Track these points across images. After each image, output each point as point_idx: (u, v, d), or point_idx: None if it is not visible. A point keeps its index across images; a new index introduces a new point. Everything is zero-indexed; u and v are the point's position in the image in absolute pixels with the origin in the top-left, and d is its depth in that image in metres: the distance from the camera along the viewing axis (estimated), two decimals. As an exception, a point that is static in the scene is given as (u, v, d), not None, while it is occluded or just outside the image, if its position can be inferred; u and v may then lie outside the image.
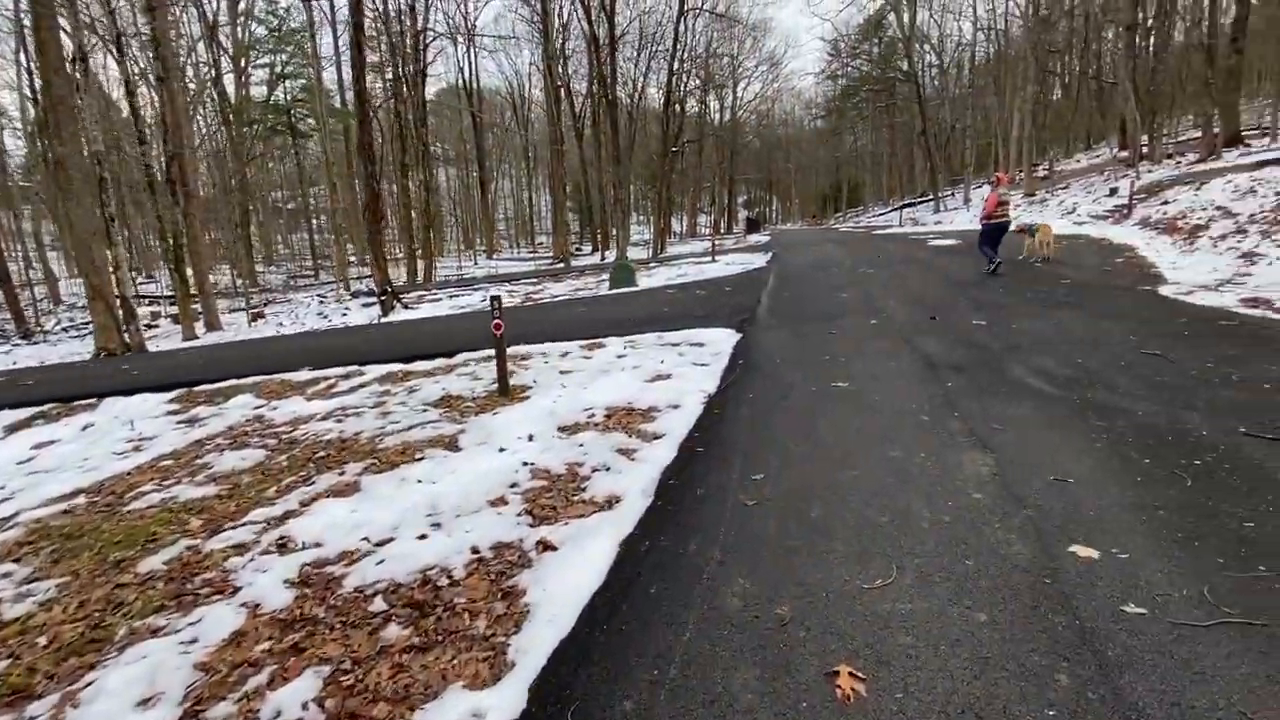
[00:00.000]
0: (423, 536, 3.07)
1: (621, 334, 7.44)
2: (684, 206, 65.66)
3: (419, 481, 3.77)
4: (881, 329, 6.65)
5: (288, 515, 3.50)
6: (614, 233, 35.17)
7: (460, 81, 48.64)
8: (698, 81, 50.45)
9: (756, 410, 4.52)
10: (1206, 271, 8.98)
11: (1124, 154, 34.96)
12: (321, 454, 4.52)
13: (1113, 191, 18.93)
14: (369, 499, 3.59)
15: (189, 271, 18.07)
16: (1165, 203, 14.97)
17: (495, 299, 5.34)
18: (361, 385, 6.41)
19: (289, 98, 38.31)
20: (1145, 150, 28.55)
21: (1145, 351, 5.09)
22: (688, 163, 57.06)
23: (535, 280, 18.42)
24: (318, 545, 3.13)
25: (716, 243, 36.22)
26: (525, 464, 3.84)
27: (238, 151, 31.33)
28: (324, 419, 5.41)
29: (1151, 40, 31.92)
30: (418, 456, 4.20)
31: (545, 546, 2.86)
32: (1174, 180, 17.39)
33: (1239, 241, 10.19)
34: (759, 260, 16.47)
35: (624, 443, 4.12)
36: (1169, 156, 26.56)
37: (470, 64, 58.40)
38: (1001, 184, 10.56)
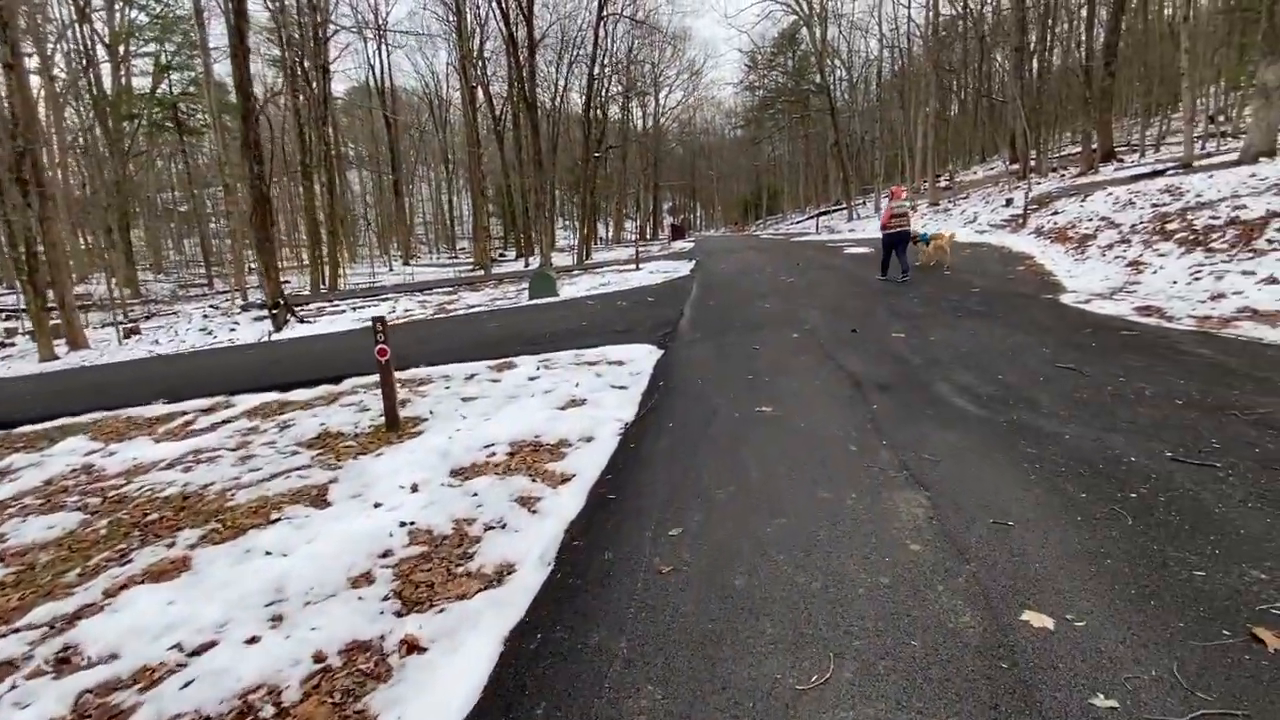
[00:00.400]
0: (253, 640, 2.41)
1: (536, 351, 6.87)
2: (610, 212, 65.47)
3: (267, 554, 3.08)
4: (804, 342, 6.44)
5: (82, 612, 2.73)
6: (537, 238, 34.34)
7: (371, 80, 46.37)
8: (620, 87, 50.44)
9: (677, 443, 4.09)
10: (1099, 279, 9.45)
11: (1015, 167, 37.68)
12: (153, 517, 3.70)
13: (1008, 202, 20.13)
14: (196, 583, 2.87)
15: (49, 282, 15.82)
16: (1055, 213, 15.96)
17: (378, 320, 4.65)
18: (226, 421, 5.51)
19: (175, 91, 34.97)
20: (1034, 164, 30.82)
21: (1060, 365, 5.07)
22: (612, 169, 56.89)
23: (451, 289, 17.45)
24: (112, 658, 2.40)
25: (641, 249, 36.11)
26: (404, 524, 3.22)
27: (115, 148, 28.19)
28: (169, 467, 4.54)
29: (1036, 63, 34.53)
30: (273, 518, 3.48)
31: (411, 647, 2.28)
32: (1061, 192, 18.68)
33: (1124, 250, 10.86)
34: (683, 268, 16.28)
35: (526, 489, 3.57)
36: (1054, 170, 28.79)
37: (381, 62, 55.77)
38: (896, 197, 10.86)
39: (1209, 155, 19.36)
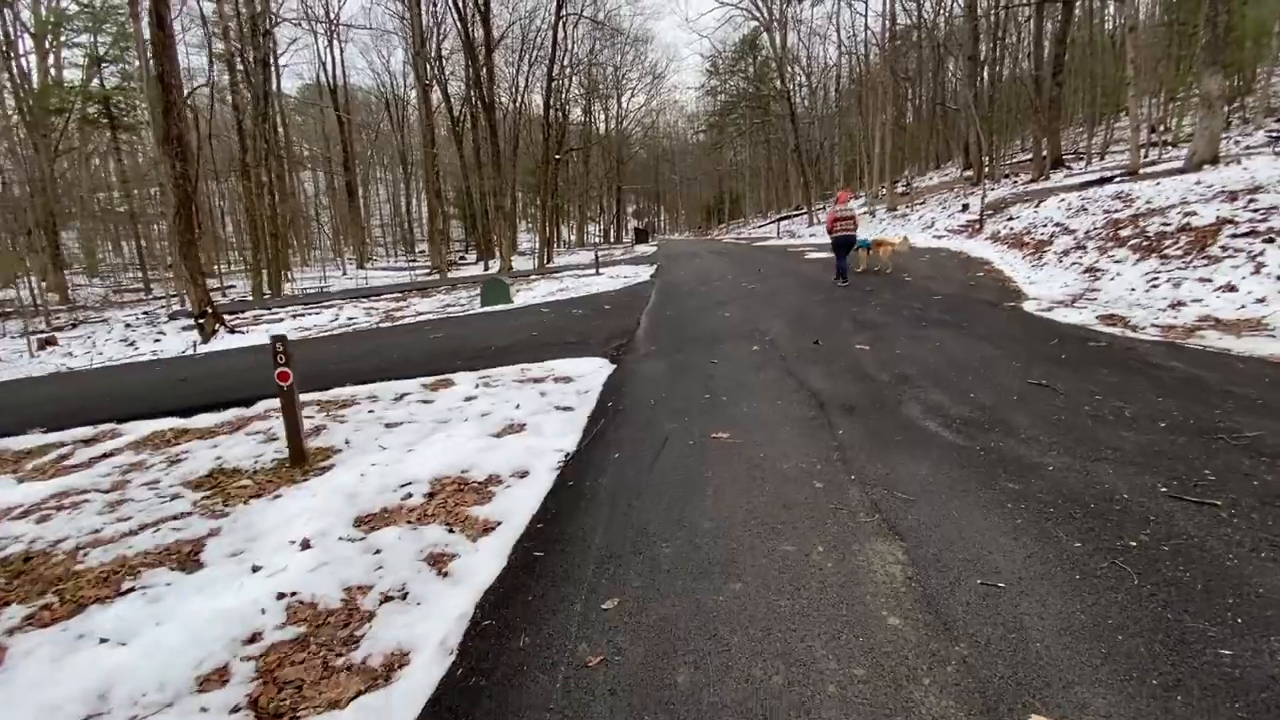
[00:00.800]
0: (39, 785, 1.81)
1: (479, 367, 6.30)
2: (574, 215, 64.79)
3: (102, 641, 2.46)
4: (765, 356, 6.04)
5: None
6: (497, 241, 33.51)
7: (323, 77, 44.69)
8: (581, 89, 49.91)
9: (621, 479, 3.61)
10: (1059, 287, 9.37)
11: (969, 173, 38.60)
12: (-24, 588, 3.01)
13: (965, 208, 20.36)
14: (1, 686, 2.24)
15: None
16: (1011, 219, 16.11)
17: (278, 340, 4.03)
18: (108, 455, 4.78)
19: (110, 85, 32.89)
20: (987, 170, 31.54)
21: (1032, 381, 4.78)
22: (575, 171, 56.31)
23: (402, 294, 16.62)
24: None
25: (604, 253, 35.62)
26: (282, 595, 2.65)
27: (39, 144, 26.25)
28: (23, 516, 3.82)
29: (987, 72, 35.41)
30: (125, 587, 2.85)
31: (248, 793, 1.73)
32: (1016, 198, 18.96)
33: (1080, 257, 10.87)
34: (644, 273, 15.86)
35: (440, 544, 3.03)
36: (1007, 176, 29.44)
37: (334, 58, 54.01)
38: (842, 201, 10.92)
39: (1153, 163, 19.95)
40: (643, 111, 74.61)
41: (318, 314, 13.75)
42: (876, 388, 4.95)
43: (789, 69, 51.45)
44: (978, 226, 17.26)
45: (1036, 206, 15.93)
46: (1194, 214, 9.74)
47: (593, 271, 17.14)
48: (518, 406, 5.12)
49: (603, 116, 59.41)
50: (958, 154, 48.25)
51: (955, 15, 38.21)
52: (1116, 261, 9.75)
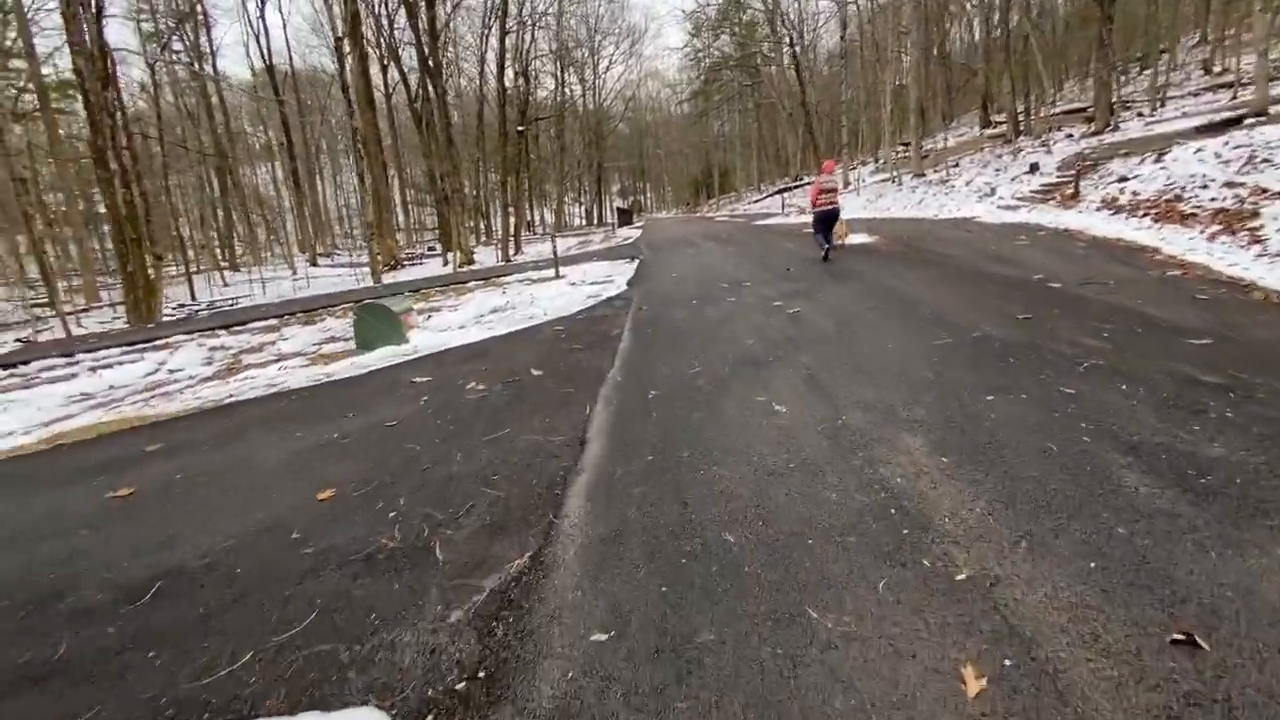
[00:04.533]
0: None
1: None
2: (552, 197, 59.66)
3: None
4: (876, 507, 1.77)
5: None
6: (453, 231, 28.75)
7: (256, 52, 39.25)
8: (550, 52, 44.63)
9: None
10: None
11: (991, 130, 34.06)
12: None
13: (1033, 168, 15.88)
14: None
15: None
16: (1123, 180, 11.69)
17: None
18: None
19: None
20: (1022, 125, 26.89)
21: None
22: (551, 148, 51.14)
23: (279, 321, 12.06)
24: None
25: (580, 240, 30.85)
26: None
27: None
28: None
29: (1011, 17, 30.58)
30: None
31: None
32: (1101, 154, 14.51)
33: (1336, 235, 6.51)
34: (620, 274, 11.32)
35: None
36: (1049, 130, 24.85)
37: (265, 30, 48.22)
38: (827, 171, 10.46)
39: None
40: (621, 82, 69.30)
41: (134, 362, 9.31)
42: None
43: (778, 26, 46.28)
44: (1071, 192, 12.80)
45: (1157, 161, 11.49)
46: None
47: (551, 274, 12.56)
48: None
49: (579, 87, 54.01)
50: (973, 110, 43.64)
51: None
52: None
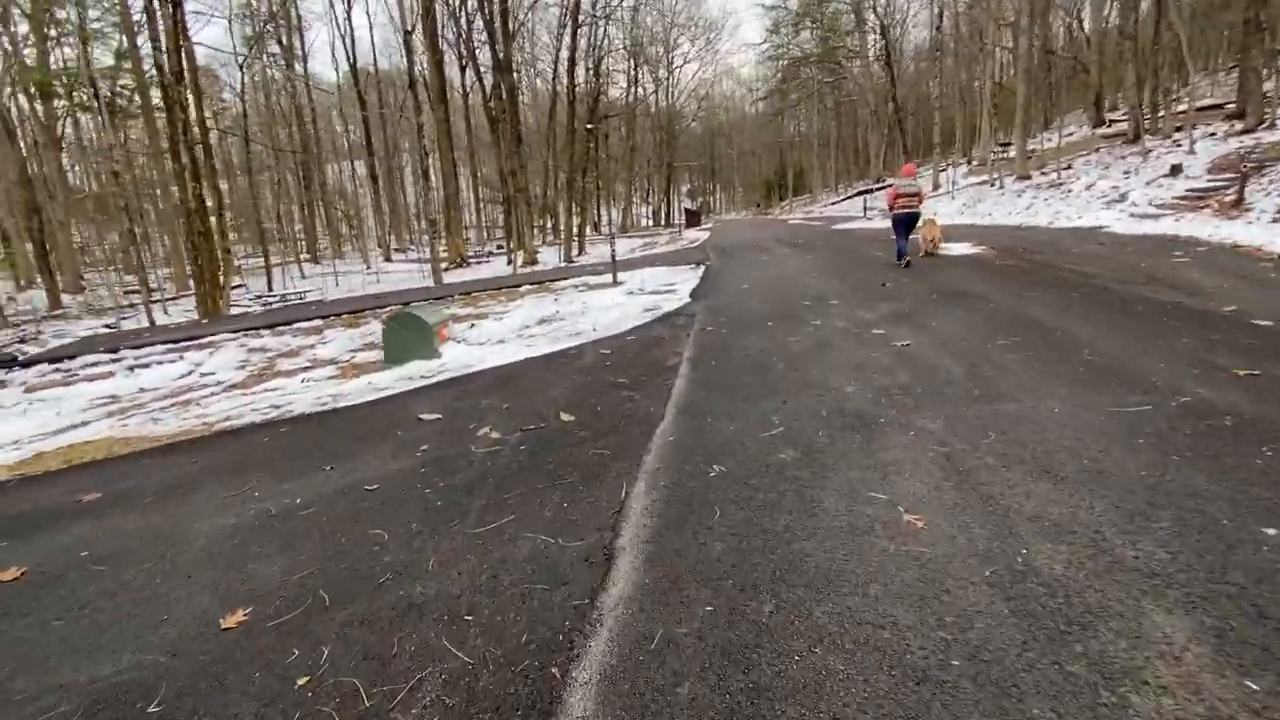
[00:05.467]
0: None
1: None
2: (621, 196, 59.06)
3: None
4: None
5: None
6: (517, 231, 28.39)
7: (339, 50, 40.50)
8: (625, 50, 43.95)
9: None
10: None
11: (1104, 130, 30.62)
12: None
13: (1175, 170, 13.50)
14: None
15: None
16: (1312, 183, 9.46)
17: None
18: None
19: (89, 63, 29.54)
20: (1148, 124, 23.75)
21: None
22: (620, 148, 50.46)
23: (342, 316, 11.62)
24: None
25: (645, 242, 29.82)
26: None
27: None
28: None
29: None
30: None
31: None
32: (1271, 154, 12.04)
33: None
34: (683, 284, 10.10)
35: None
36: (1179, 129, 21.70)
37: (351, 31, 49.88)
38: (907, 174, 10.10)
39: None
40: (695, 81, 68.01)
41: (172, 362, 8.95)
42: None
43: (868, 16, 43.64)
44: (1233, 199, 10.58)
45: (1361, 160, 9.20)
46: None
47: (609, 281, 11.51)
48: None
49: (652, 85, 53.08)
50: (1077, 110, 39.63)
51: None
52: None
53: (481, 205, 55.55)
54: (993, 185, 22.33)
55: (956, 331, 5.30)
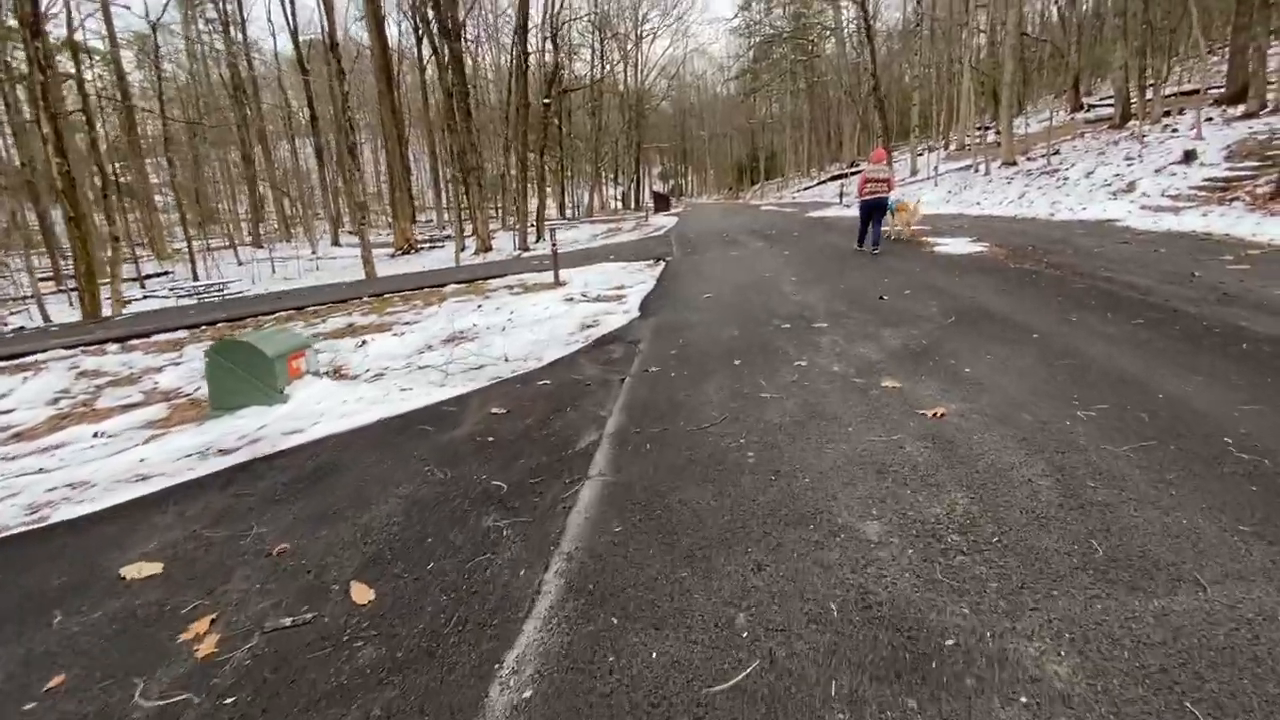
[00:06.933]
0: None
1: None
2: (588, 177, 56.52)
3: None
4: None
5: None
6: (471, 215, 26.11)
7: (279, 17, 37.09)
8: (591, 22, 41.42)
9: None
10: None
11: (1084, 115, 29.58)
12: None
13: (1188, 157, 12.12)
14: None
15: None
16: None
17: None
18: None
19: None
20: (1135, 106, 22.55)
21: None
22: (587, 126, 47.91)
23: (218, 325, 9.54)
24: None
25: (609, 228, 27.75)
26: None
27: None
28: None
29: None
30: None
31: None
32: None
33: None
34: (635, 288, 8.24)
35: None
36: (1168, 113, 20.55)
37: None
38: (878, 160, 9.72)
39: None
40: (666, 58, 65.56)
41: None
42: None
43: (841, -7, 41.80)
44: (1272, 190, 9.17)
45: None
46: None
47: (549, 280, 9.59)
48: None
49: (620, 61, 50.52)
50: (1048, 94, 38.68)
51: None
52: None
53: (444, 186, 52.53)
54: (976, 171, 20.92)
55: (1006, 388, 3.61)
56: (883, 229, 9.95)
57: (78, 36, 22.43)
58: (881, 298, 6.31)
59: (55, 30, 21.50)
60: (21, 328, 14.61)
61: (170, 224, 35.71)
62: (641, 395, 4.01)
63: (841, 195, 25.22)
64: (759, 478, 2.76)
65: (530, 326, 6.73)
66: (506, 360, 5.47)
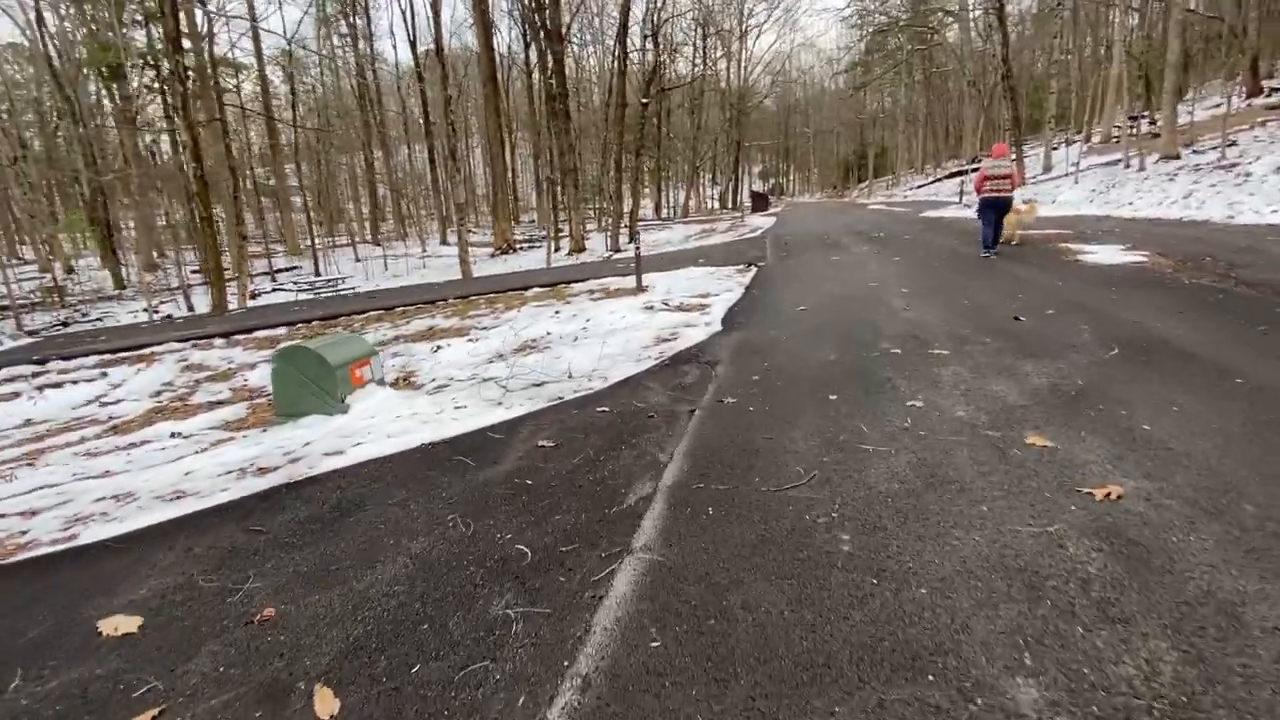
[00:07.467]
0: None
1: None
2: (685, 176, 55.96)
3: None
4: None
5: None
6: (567, 216, 26.36)
7: (401, 29, 39.52)
8: (695, 20, 40.81)
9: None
10: None
11: (1265, 100, 25.33)
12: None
13: None
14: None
15: None
16: None
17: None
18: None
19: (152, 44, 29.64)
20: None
21: None
22: (686, 126, 47.33)
23: (315, 321, 9.90)
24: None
25: (703, 229, 27.04)
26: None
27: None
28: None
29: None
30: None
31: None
32: None
33: None
34: (721, 296, 7.54)
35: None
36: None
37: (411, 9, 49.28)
38: (998, 155, 9.21)
39: None
40: (771, 54, 63.60)
41: (90, 381, 7.36)
42: None
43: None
44: None
45: None
46: None
47: (632, 286, 9.10)
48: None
49: (723, 57, 49.49)
50: (1215, 80, 33.37)
51: None
52: None
53: (544, 187, 53.99)
54: (1127, 166, 18.19)
55: (1211, 459, 2.63)
56: (1003, 231, 9.48)
57: (225, 51, 24.86)
58: (1017, 318, 5.24)
59: (219, 48, 24.06)
60: (170, 316, 16.22)
61: (301, 223, 38.92)
62: (711, 436, 3.36)
63: (961, 194, 22.99)
64: (855, 578, 2.05)
65: (603, 338, 6.25)
66: (570, 377, 5.01)
